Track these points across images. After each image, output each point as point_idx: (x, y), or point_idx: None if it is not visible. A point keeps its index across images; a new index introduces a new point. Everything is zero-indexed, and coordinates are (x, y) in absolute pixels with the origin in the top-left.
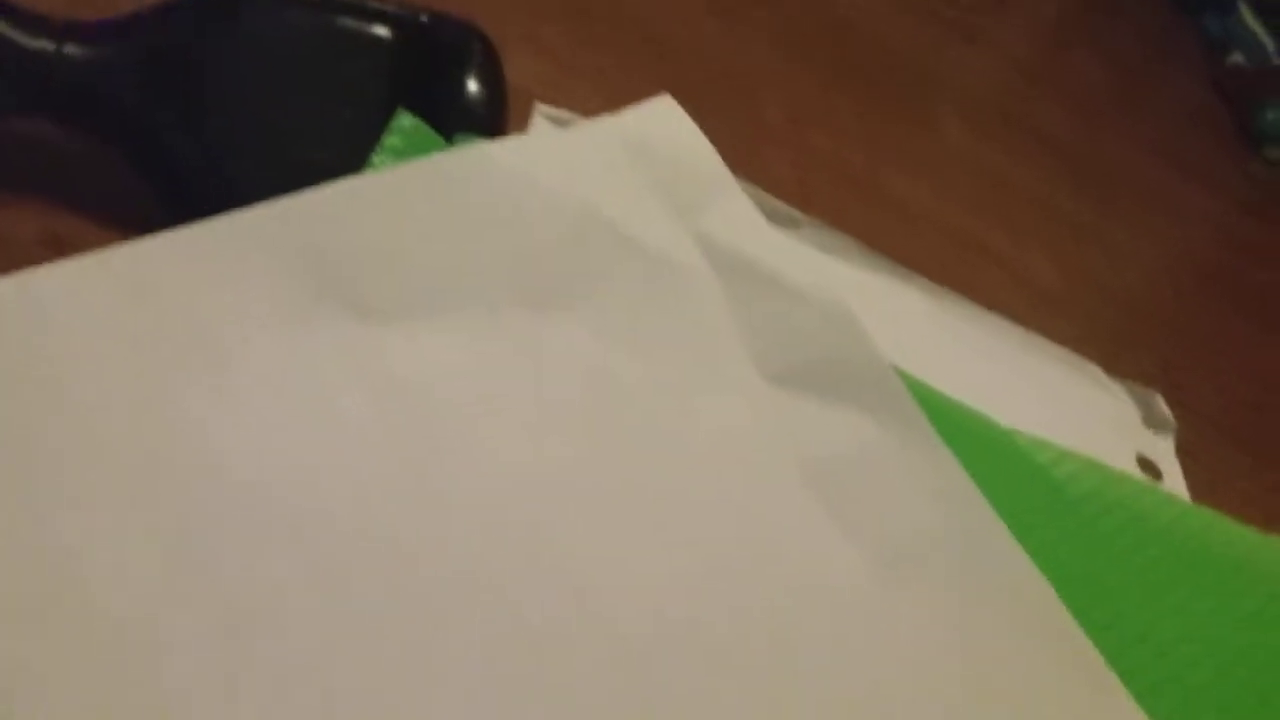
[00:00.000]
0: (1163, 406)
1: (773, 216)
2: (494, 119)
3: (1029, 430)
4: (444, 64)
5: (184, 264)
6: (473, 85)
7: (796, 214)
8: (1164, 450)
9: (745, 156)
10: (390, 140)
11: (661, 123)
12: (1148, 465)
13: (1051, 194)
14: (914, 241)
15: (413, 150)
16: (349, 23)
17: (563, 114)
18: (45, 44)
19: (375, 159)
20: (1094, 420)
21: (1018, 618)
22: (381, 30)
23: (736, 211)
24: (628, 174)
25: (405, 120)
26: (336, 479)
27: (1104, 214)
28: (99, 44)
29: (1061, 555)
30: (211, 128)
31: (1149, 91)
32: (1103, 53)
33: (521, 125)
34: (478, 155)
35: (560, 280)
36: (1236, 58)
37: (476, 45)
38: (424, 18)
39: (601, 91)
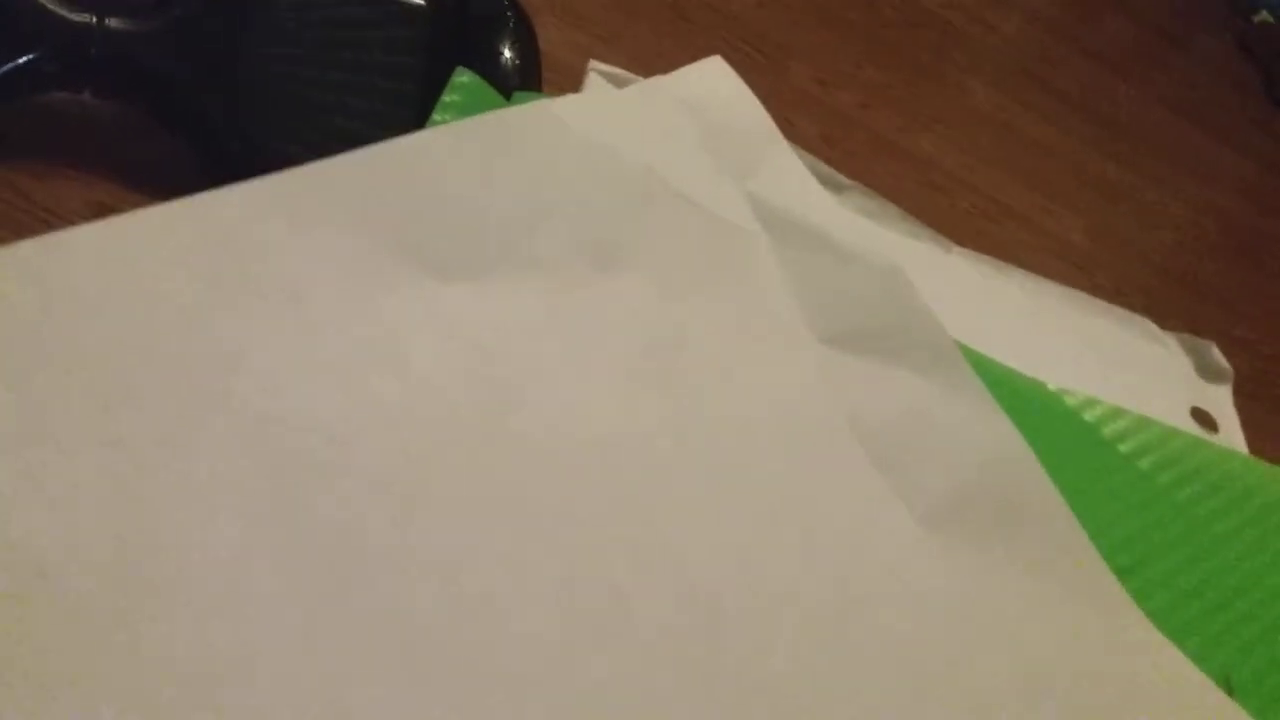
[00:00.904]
0: (1218, 356)
1: (817, 180)
2: (527, 87)
3: (1081, 388)
4: (478, 32)
5: (262, 214)
6: (507, 53)
7: (841, 178)
8: (1220, 400)
9: (774, 120)
10: (450, 97)
11: (714, 83)
12: (1203, 417)
13: (1080, 155)
14: (943, 204)
15: (472, 106)
16: None
17: (617, 71)
18: (87, 16)
19: (436, 115)
20: (1147, 374)
21: (1063, 577)
22: None
23: (788, 172)
24: (683, 133)
25: (464, 77)
26: (416, 431)
27: (1133, 174)
28: (140, 16)
29: (1113, 512)
30: (249, 98)
31: (1176, 51)
32: (1130, 12)
33: (554, 92)
34: (542, 111)
35: (621, 239)
36: (1264, 16)
37: (510, 13)
38: None
39: (636, 59)
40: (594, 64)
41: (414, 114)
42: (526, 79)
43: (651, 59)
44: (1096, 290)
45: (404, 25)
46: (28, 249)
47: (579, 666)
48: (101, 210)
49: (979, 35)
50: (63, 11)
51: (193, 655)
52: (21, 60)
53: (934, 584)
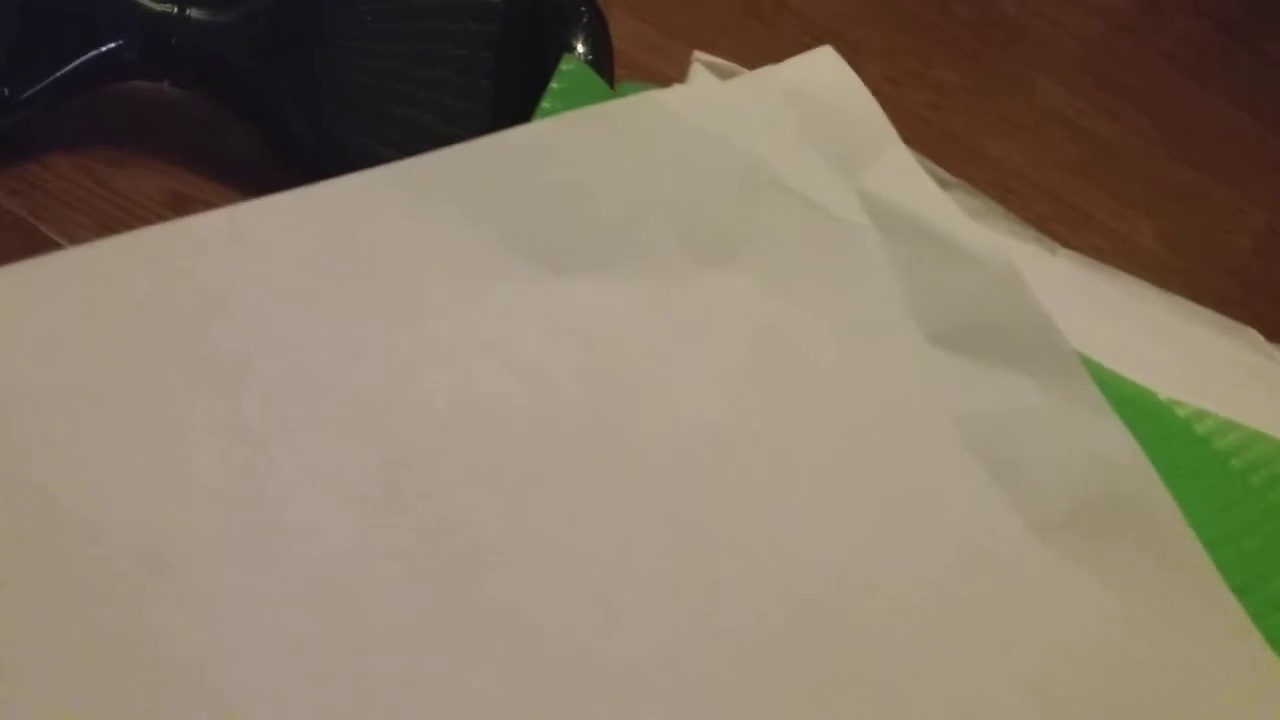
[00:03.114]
0: None
1: None
2: (606, 84)
3: (1188, 399)
4: (552, 26)
5: (379, 205)
6: (580, 47)
7: (945, 175)
8: None
9: None
10: (556, 85)
11: (824, 74)
12: None
13: (1152, 156)
14: (1012, 205)
15: (578, 93)
16: None
17: (720, 62)
18: (169, 6)
19: (544, 104)
20: (1254, 386)
21: (1178, 590)
22: None
23: (899, 167)
24: (791, 126)
25: (570, 64)
26: (526, 424)
27: (1205, 178)
28: (220, 7)
29: (1226, 529)
30: (324, 90)
31: (1248, 51)
32: (1201, 12)
33: (633, 85)
34: (652, 103)
35: (729, 233)
36: None
37: (583, 8)
38: None
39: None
40: (698, 54)
41: (488, 109)
42: (600, 74)
43: (721, 56)
44: None
45: (478, 19)
46: (151, 237)
47: (687, 666)
48: (178, 199)
49: (1050, 35)
50: (144, 1)
51: (307, 644)
52: (104, 48)
53: (1045, 591)
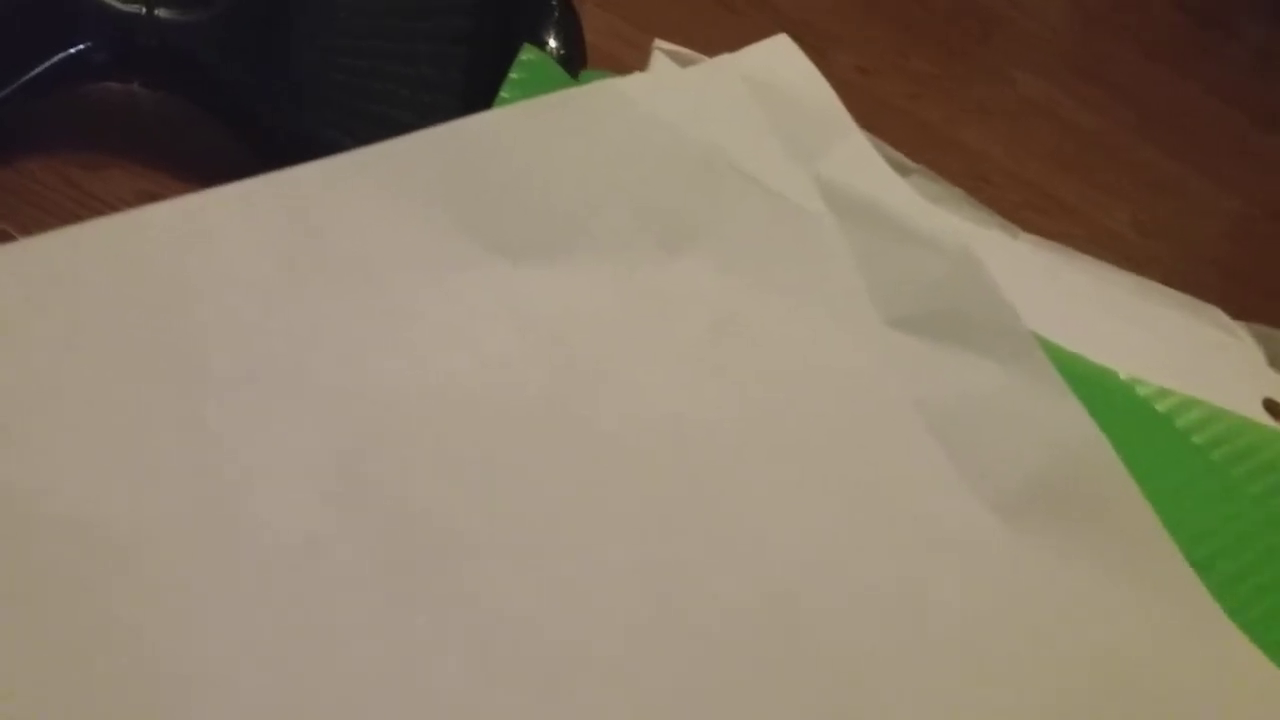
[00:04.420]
0: None
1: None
2: (573, 77)
3: (1151, 377)
4: (523, 21)
5: (335, 192)
6: (553, 42)
7: (905, 161)
8: None
9: None
10: (517, 74)
11: (781, 61)
12: (1275, 408)
13: (1127, 145)
14: (990, 196)
15: (539, 83)
16: None
17: (682, 50)
18: (136, 6)
19: (503, 93)
20: (1218, 364)
21: (1138, 567)
22: None
23: (856, 153)
24: (750, 113)
25: (530, 54)
26: (488, 412)
27: (1182, 165)
28: (189, 6)
29: (1187, 506)
30: (297, 88)
31: (1223, 38)
32: (1177, 0)
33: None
34: (609, 91)
35: (688, 220)
36: None
37: (554, 1)
38: None
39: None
40: (659, 43)
41: (460, 103)
42: (572, 69)
43: (695, 48)
44: None
45: (450, 14)
46: (106, 227)
47: (653, 653)
48: (151, 200)
49: (1025, 25)
50: (112, 1)
51: (268, 636)
52: (71, 50)
53: (1007, 572)
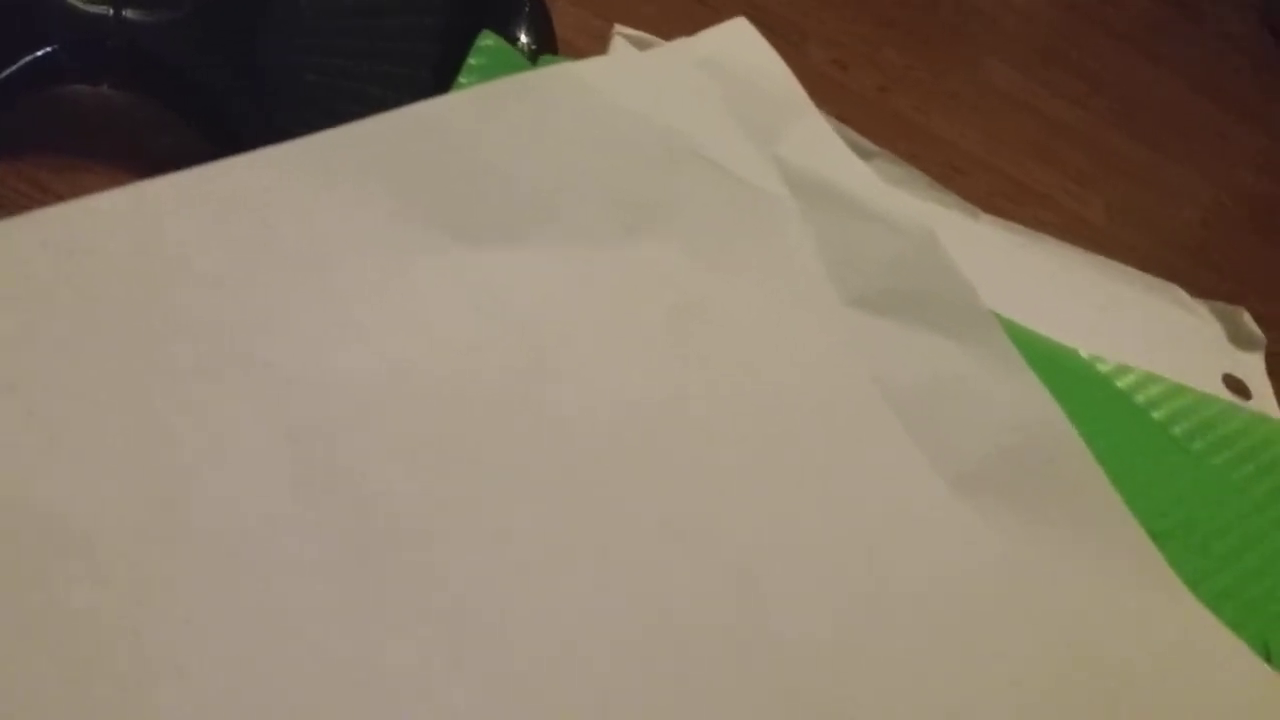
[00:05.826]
0: (1250, 323)
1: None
2: (532, 62)
3: (1111, 355)
4: (494, 17)
5: (288, 178)
6: (523, 39)
7: (868, 145)
8: (1253, 367)
9: None
10: (474, 60)
11: (739, 44)
12: (1235, 384)
13: (1101, 134)
14: (963, 185)
15: (496, 69)
16: None
17: (642, 35)
18: (103, 8)
19: (461, 79)
20: (1178, 341)
21: (1098, 541)
22: None
23: (815, 135)
24: (708, 96)
25: (489, 40)
26: (445, 398)
27: (1154, 153)
28: (157, 7)
29: (1147, 479)
30: (266, 88)
31: (1198, 27)
32: None
33: None
34: (566, 74)
35: (647, 203)
36: None
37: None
38: None
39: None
40: (619, 28)
41: None
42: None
43: (668, 39)
44: None
45: (420, 12)
46: (50, 216)
47: (616, 637)
48: None
49: (998, 14)
50: (79, 3)
51: (225, 623)
52: (39, 53)
53: (967, 549)
